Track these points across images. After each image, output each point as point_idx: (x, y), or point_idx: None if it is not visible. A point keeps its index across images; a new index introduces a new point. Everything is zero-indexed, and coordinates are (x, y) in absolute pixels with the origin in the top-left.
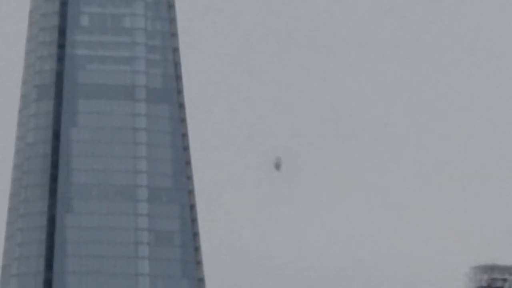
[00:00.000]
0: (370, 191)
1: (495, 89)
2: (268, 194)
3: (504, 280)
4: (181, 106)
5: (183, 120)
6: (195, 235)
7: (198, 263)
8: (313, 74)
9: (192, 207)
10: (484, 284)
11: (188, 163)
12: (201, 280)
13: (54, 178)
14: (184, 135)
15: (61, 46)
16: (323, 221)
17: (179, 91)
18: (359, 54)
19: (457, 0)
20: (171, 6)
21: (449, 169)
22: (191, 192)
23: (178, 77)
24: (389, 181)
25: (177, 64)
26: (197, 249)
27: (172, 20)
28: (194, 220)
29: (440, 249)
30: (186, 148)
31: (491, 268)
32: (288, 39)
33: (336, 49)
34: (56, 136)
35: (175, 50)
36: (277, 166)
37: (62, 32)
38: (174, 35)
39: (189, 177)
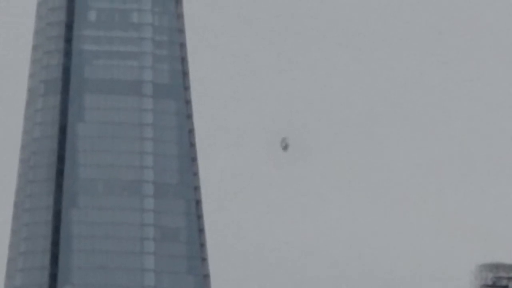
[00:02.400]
0: (374, 186)
1: (501, 84)
2: (275, 191)
3: (510, 278)
4: (188, 102)
5: (189, 116)
6: (201, 231)
7: (204, 259)
8: (321, 66)
9: (198, 203)
10: (489, 282)
11: (194, 159)
12: (206, 276)
13: (60, 173)
14: (191, 131)
15: (68, 41)
16: (328, 213)
17: (186, 87)
18: (367, 42)
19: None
20: (178, 2)
21: (455, 166)
22: (197, 188)
23: (184, 73)
24: (395, 178)
25: (184, 60)
26: (202, 245)
27: (179, 16)
28: (199, 216)
29: (445, 246)
30: (192, 144)
31: (496, 267)
32: (294, 34)
33: (344, 38)
34: (63, 131)
35: (182, 45)
36: (285, 147)
37: (69, 27)
38: (181, 30)
39: (195, 173)
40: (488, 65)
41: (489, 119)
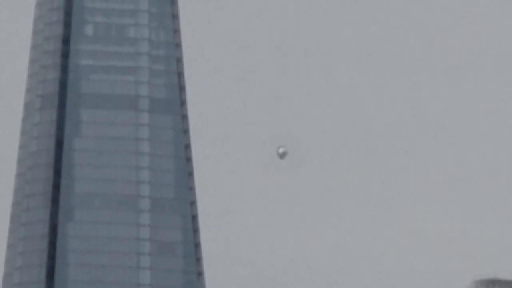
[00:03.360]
0: (371, 198)
1: (500, 102)
2: (272, 205)
3: None
4: (184, 116)
5: (186, 131)
6: (197, 245)
7: (200, 273)
8: (318, 76)
9: (194, 217)
10: None
11: (190, 174)
12: None
13: (56, 187)
14: (187, 146)
15: (65, 55)
16: (325, 226)
17: (182, 102)
18: (366, 52)
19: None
20: (175, 17)
21: (451, 182)
22: (193, 203)
23: (181, 88)
24: (392, 191)
25: (180, 75)
26: (198, 259)
27: (176, 31)
28: (195, 231)
29: (441, 262)
30: (188, 159)
31: (493, 282)
32: (290, 44)
33: (342, 47)
34: (59, 145)
35: (179, 60)
36: (282, 155)
37: (66, 41)
38: (177, 45)
39: (191, 188)
40: (485, 84)
41: (485, 136)
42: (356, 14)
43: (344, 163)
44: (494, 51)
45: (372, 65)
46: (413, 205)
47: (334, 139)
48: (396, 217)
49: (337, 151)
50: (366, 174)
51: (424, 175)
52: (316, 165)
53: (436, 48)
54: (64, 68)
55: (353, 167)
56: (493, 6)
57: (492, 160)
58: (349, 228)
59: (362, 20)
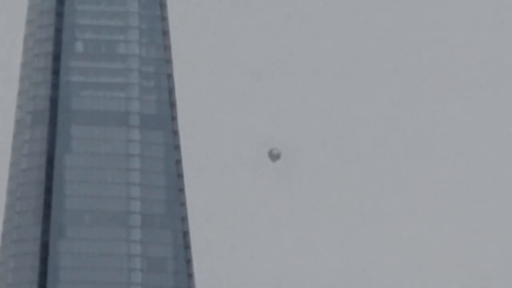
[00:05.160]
0: (364, 212)
1: (499, 120)
2: (264, 220)
3: None
4: (175, 132)
5: (177, 147)
6: (188, 261)
7: None
8: (313, 79)
9: (185, 233)
10: None
11: (181, 190)
12: None
13: (47, 204)
14: (178, 162)
15: (56, 72)
16: (319, 240)
17: (173, 118)
18: (363, 54)
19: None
20: (165, 33)
21: (444, 198)
22: (184, 219)
23: (172, 104)
24: (385, 209)
25: (171, 91)
26: (190, 275)
27: (166, 47)
28: (187, 247)
29: (432, 278)
30: (179, 175)
31: None
32: (282, 57)
33: (335, 52)
34: (50, 162)
35: (169, 76)
36: (276, 157)
37: (56, 58)
38: (168, 61)
39: (182, 204)
40: (486, 102)
41: (479, 154)
42: (350, 17)
43: (340, 165)
44: (493, 59)
45: (370, 68)
46: (407, 215)
47: (330, 142)
48: (390, 226)
49: (334, 153)
50: (362, 179)
51: (417, 193)
52: (311, 170)
53: (434, 55)
54: (55, 85)
55: (349, 169)
56: (490, 14)
57: (484, 176)
58: (344, 236)
59: (356, 23)
